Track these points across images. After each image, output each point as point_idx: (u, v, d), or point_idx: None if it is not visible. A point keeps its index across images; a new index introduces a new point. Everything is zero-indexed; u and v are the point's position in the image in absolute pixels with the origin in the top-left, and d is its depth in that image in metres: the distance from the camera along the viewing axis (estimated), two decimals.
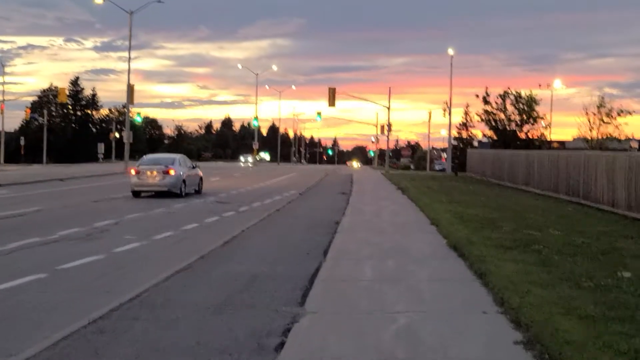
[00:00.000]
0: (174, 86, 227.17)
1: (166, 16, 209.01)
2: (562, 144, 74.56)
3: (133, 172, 25.78)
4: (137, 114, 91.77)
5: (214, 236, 13.84)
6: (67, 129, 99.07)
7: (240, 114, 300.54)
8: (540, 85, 66.52)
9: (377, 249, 11.77)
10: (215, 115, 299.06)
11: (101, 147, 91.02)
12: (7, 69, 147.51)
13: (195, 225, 16.06)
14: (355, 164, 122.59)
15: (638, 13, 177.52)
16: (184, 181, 25.78)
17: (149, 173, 25.36)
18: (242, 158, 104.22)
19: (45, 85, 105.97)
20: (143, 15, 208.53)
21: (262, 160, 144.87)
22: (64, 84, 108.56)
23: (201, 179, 29.21)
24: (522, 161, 34.83)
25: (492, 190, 31.25)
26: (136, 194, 25.57)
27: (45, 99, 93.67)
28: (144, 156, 30.09)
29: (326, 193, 27.96)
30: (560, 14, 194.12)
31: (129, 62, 51.25)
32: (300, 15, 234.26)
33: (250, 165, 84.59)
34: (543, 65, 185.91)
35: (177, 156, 28.14)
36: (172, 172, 25.26)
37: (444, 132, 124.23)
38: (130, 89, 51.28)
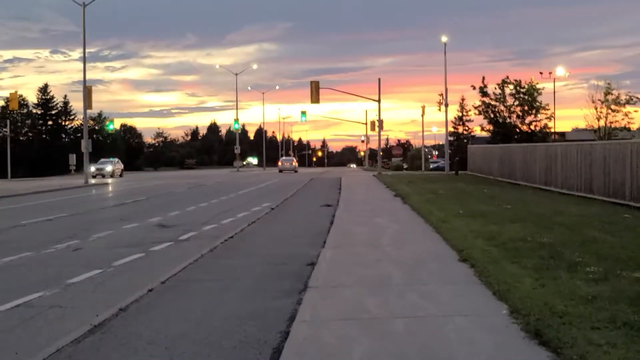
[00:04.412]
0: (162, 95, 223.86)
1: (153, 25, 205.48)
2: (562, 135, 69.58)
3: (279, 163, 72.94)
4: (110, 121, 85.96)
5: (93, 307, 8.04)
6: (35, 140, 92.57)
7: (229, 119, 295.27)
8: (541, 74, 61.19)
9: (379, 340, 5.95)
10: (205, 122, 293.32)
11: (73, 159, 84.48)
12: None
13: (91, 275, 10.20)
14: (353, 166, 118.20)
15: (623, 4, 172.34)
16: (297, 166, 73.75)
17: (286, 164, 70.76)
18: (92, 168, 58.05)
19: (33, 99, 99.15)
20: (129, 24, 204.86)
21: (249, 165, 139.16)
22: (54, 96, 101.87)
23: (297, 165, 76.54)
24: (541, 156, 29.23)
25: (510, 192, 25.56)
26: (280, 171, 63.82)
27: (8, 110, 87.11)
28: (282, 157, 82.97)
29: (305, 206, 22.08)
30: (546, 8, 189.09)
31: (84, 61, 45.28)
32: (287, 19, 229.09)
33: (108, 176, 58.44)
34: (530, 59, 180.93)
35: (294, 157, 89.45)
36: (294, 163, 73.75)
37: (435, 129, 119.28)
38: (88, 92, 45.35)
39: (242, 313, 7.21)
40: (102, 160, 65.34)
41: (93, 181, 49.63)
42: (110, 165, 62.38)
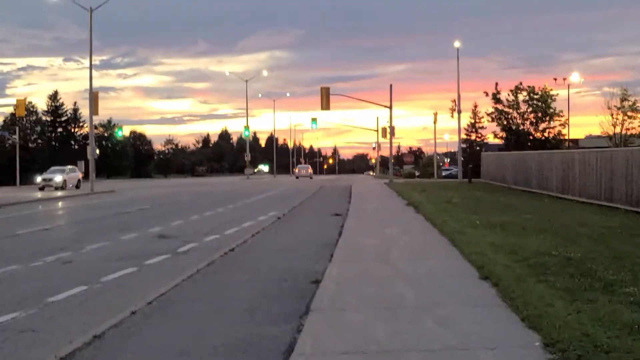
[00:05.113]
0: (174, 102, 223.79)
1: (165, 32, 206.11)
2: (575, 142, 68.49)
3: (296, 170, 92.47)
4: (119, 128, 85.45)
5: (69, 332, 7.15)
6: (45, 147, 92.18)
7: (241, 127, 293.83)
8: (555, 80, 60.04)
9: None
10: (216, 129, 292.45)
11: (81, 166, 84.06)
12: (7, 91, 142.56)
13: (75, 292, 9.30)
14: (372, 173, 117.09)
15: (636, 10, 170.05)
16: (312, 173, 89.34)
17: (302, 171, 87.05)
18: (38, 178, 50.81)
19: (42, 106, 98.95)
20: (141, 32, 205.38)
21: (260, 172, 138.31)
22: (66, 104, 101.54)
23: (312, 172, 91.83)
24: (557, 163, 28.18)
25: (526, 201, 24.54)
26: (297, 178, 77.84)
27: (17, 117, 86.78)
28: (297, 165, 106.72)
29: (314, 215, 21.14)
30: (557, 15, 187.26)
31: (90, 67, 44.62)
32: (298, 26, 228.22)
33: (59, 188, 47.47)
34: (542, 67, 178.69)
35: (309, 165, 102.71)
36: (309, 170, 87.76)
37: (447, 137, 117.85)
38: (94, 97, 44.63)
39: (234, 342, 6.27)
40: (53, 168, 53.51)
41: (39, 195, 40.07)
42: (60, 175, 49.58)
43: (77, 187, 50.43)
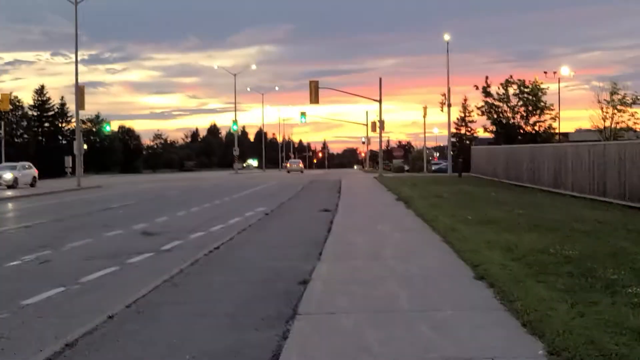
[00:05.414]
0: (163, 97, 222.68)
1: (154, 27, 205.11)
2: (565, 136, 68.34)
3: (288, 165, 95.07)
4: (106, 123, 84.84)
5: (41, 338, 6.68)
6: (31, 142, 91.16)
7: (230, 121, 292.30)
8: (546, 73, 59.80)
9: None
10: (205, 124, 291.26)
11: (68, 161, 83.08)
12: None
13: (51, 294, 8.83)
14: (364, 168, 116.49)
15: (624, 5, 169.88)
16: (303, 167, 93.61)
17: (294, 165, 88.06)
18: None
19: (30, 101, 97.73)
20: (131, 27, 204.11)
21: (249, 167, 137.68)
22: (53, 98, 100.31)
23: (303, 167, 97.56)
24: (549, 157, 27.94)
25: (519, 196, 24.21)
26: (288, 172, 79.86)
27: (4, 111, 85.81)
28: (289, 159, 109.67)
29: (302, 211, 20.71)
30: (546, 10, 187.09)
31: (76, 60, 43.97)
32: (288, 21, 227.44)
33: (8, 184, 42.36)
34: (531, 61, 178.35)
35: (300, 160, 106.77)
36: (300, 165, 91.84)
37: (436, 131, 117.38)
38: (80, 91, 43.97)
39: (214, 350, 5.84)
40: (2, 165, 48.30)
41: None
42: (10, 172, 43.86)
43: (32, 185, 45.32)
